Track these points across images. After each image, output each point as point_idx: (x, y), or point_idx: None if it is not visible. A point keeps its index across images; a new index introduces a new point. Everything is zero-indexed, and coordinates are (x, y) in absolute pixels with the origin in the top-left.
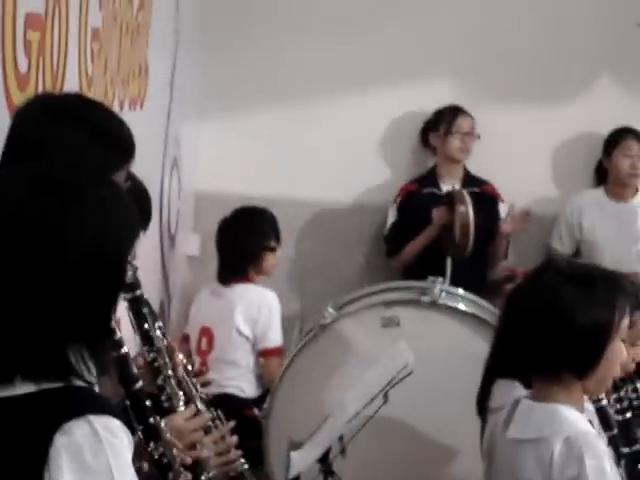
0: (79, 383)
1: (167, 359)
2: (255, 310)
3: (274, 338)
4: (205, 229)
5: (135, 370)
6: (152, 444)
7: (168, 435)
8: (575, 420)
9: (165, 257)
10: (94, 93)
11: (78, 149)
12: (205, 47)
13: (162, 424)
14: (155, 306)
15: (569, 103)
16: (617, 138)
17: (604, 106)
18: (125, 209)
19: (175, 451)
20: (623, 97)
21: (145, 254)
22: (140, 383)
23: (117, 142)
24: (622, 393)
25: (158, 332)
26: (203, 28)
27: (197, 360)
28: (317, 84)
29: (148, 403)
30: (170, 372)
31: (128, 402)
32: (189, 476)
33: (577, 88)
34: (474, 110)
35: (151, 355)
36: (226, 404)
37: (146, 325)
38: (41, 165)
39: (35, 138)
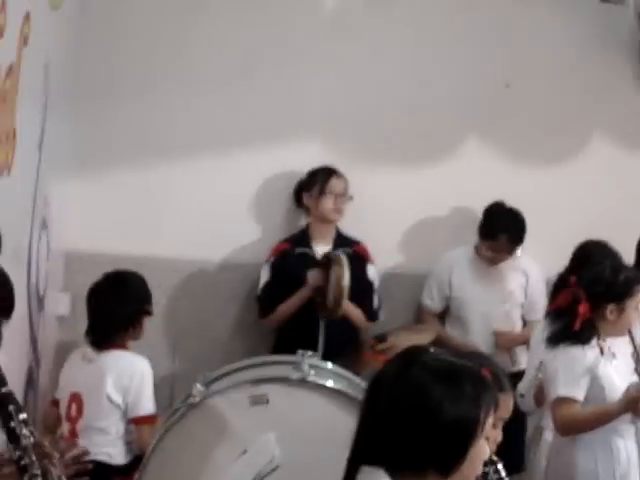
0: None
1: (33, 457)
2: (127, 378)
3: (146, 406)
4: (75, 289)
5: None
6: None
7: None
8: None
9: (33, 319)
10: None
11: None
12: (74, 109)
13: None
14: (23, 371)
15: (439, 164)
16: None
17: (473, 167)
18: None
19: None
20: (492, 159)
21: (12, 318)
22: None
23: None
24: None
25: (24, 429)
26: (72, 91)
27: (66, 427)
28: (187, 143)
29: None
30: (37, 471)
31: None
32: None
33: (447, 149)
34: (347, 171)
35: (17, 453)
36: (95, 471)
37: (12, 423)
38: None
39: None
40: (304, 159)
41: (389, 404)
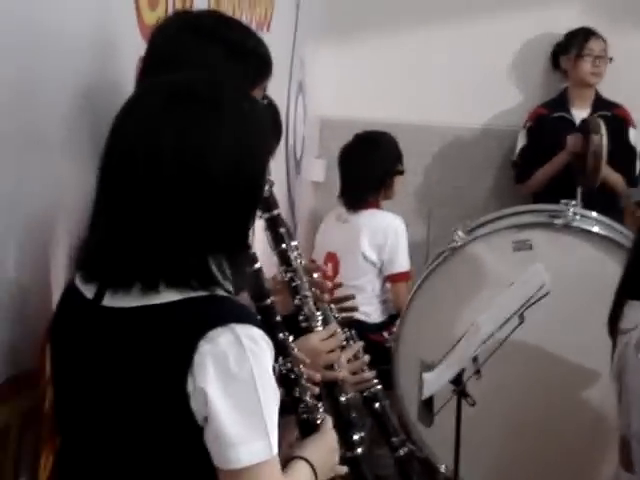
0: (222, 293)
1: (304, 279)
2: (381, 235)
3: (401, 263)
4: (330, 155)
5: (267, 286)
6: (280, 359)
7: (296, 351)
8: None
9: (291, 183)
10: None
11: (215, 66)
12: None
13: (290, 339)
14: None
15: None
16: None
17: None
18: (263, 124)
19: (303, 368)
20: None
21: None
22: (271, 299)
23: (254, 59)
24: None
25: (295, 252)
26: None
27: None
28: (446, 6)
29: (278, 318)
30: (307, 292)
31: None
32: (316, 390)
33: None
34: (606, 32)
35: (288, 275)
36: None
37: (283, 245)
38: (181, 78)
39: (173, 55)
40: (563, 20)
41: None
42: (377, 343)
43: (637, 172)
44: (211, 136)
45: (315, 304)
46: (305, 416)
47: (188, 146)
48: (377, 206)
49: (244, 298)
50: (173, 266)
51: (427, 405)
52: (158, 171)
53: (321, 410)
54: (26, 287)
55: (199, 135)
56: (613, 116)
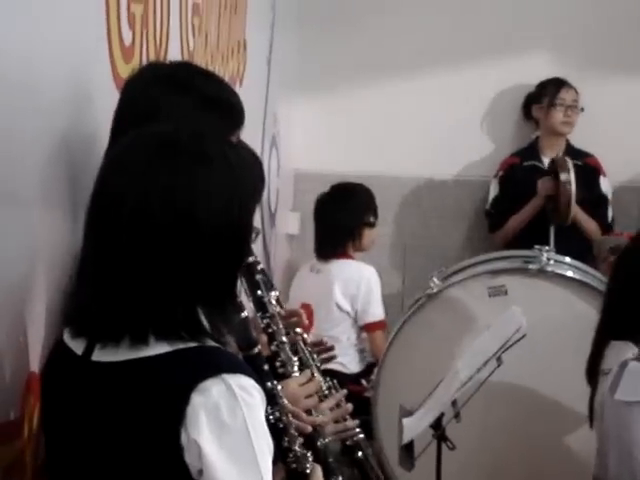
0: (212, 343)
1: (280, 325)
2: (354, 285)
3: (375, 312)
4: (304, 208)
5: (254, 334)
6: (269, 408)
7: (285, 400)
8: None
9: (266, 236)
10: None
11: (189, 116)
12: (301, 24)
13: (279, 388)
14: None
15: None
16: None
17: None
18: (249, 170)
19: (292, 417)
20: None
21: None
22: (259, 347)
23: (227, 108)
24: None
25: (272, 298)
26: (297, 11)
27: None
28: (415, 59)
29: (266, 367)
30: (284, 338)
31: None
32: (309, 428)
33: None
34: (578, 82)
35: (264, 321)
36: None
37: (259, 291)
38: (166, 130)
39: (145, 107)
40: (534, 71)
41: (632, 272)
42: (356, 394)
43: (609, 219)
44: (199, 187)
45: (294, 350)
46: (294, 466)
47: (177, 198)
48: (350, 256)
49: (231, 347)
50: (162, 317)
51: (408, 449)
52: (147, 224)
53: (310, 459)
54: (2, 342)
55: (187, 186)
56: (584, 165)
